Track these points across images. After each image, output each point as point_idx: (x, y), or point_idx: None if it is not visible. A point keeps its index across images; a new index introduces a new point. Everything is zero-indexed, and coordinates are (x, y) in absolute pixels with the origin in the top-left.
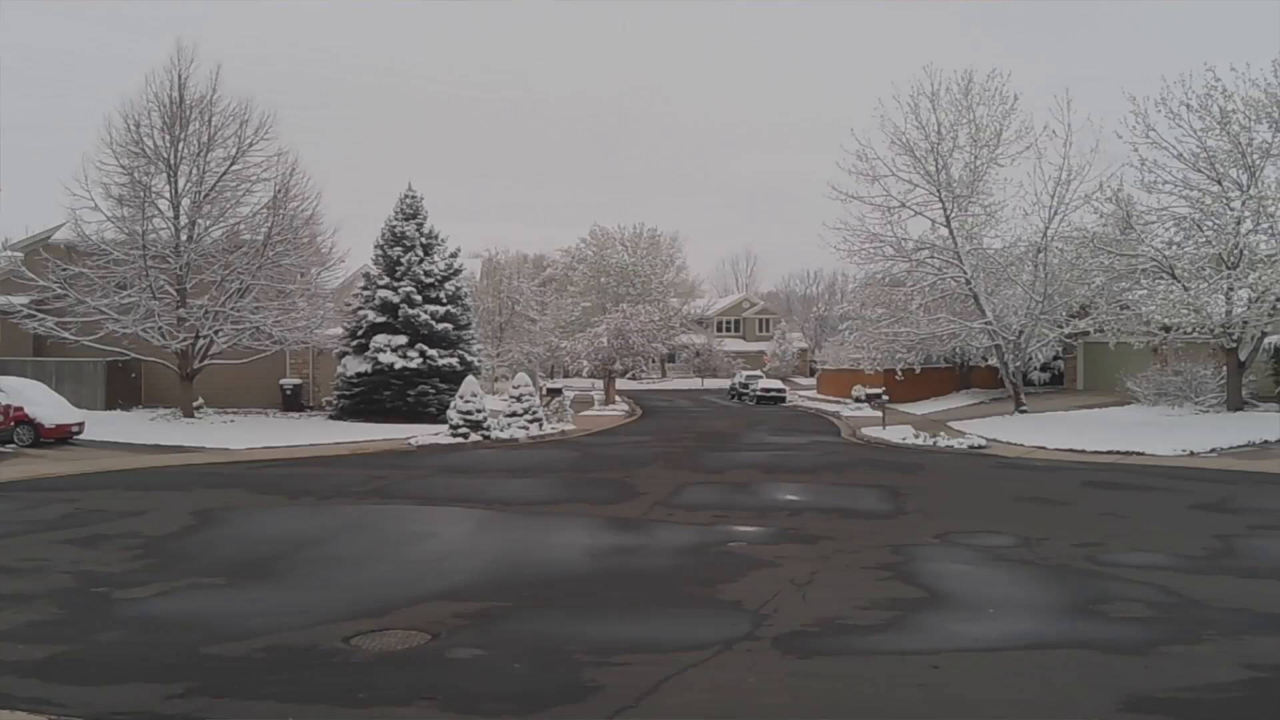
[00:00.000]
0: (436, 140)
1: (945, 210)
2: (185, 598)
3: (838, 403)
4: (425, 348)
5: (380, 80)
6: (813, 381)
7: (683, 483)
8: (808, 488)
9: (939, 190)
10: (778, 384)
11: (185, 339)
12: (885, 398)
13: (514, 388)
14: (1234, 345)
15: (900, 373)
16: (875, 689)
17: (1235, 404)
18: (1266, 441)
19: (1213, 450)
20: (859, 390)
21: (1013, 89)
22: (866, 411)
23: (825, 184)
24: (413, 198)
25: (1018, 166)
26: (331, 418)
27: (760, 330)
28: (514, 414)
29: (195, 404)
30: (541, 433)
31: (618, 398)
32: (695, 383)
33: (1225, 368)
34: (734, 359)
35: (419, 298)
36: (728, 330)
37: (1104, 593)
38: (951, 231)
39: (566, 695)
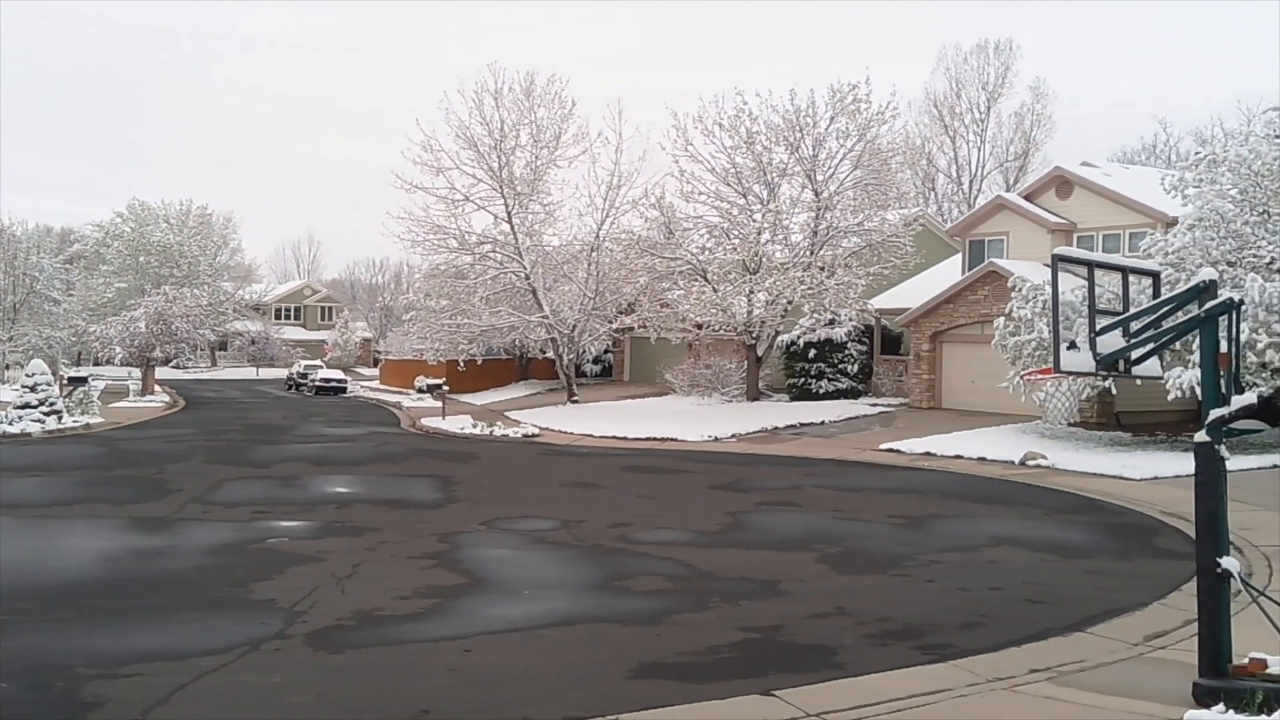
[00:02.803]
0: None
1: (507, 206)
2: None
3: (400, 393)
4: None
5: None
6: (376, 372)
7: (223, 478)
8: (360, 479)
9: (502, 186)
10: (339, 374)
11: None
12: (446, 388)
13: (27, 376)
14: (754, 342)
15: (463, 364)
16: (405, 677)
17: (754, 395)
18: (776, 428)
19: (733, 436)
20: (421, 381)
21: (571, 95)
22: (428, 402)
23: (391, 173)
24: None
25: (575, 169)
26: None
27: (323, 319)
28: (27, 405)
29: None
30: (61, 426)
31: (158, 388)
32: (250, 373)
33: (746, 362)
34: (294, 348)
35: None
36: (288, 318)
37: (630, 569)
38: (513, 227)
39: (61, 714)
